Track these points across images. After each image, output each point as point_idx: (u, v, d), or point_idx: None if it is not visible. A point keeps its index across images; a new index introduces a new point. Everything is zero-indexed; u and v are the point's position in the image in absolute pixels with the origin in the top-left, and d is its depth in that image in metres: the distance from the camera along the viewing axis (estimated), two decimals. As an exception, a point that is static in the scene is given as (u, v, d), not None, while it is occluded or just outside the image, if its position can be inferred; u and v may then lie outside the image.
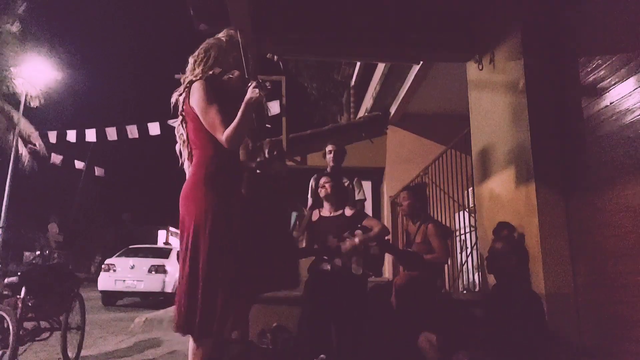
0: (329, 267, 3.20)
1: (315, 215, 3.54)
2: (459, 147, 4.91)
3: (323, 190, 3.49)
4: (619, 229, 2.73)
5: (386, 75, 7.14)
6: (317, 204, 3.67)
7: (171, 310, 8.29)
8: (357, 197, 4.37)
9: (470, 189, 4.74)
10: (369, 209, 6.66)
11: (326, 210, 3.51)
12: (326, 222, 3.45)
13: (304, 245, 3.69)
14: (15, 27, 16.63)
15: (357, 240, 3.21)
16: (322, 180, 3.55)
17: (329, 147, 4.42)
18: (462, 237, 5.31)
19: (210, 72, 2.15)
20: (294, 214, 3.69)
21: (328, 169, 4.35)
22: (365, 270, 3.22)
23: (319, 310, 3.05)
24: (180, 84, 2.27)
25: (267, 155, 4.45)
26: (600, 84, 2.90)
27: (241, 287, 2.01)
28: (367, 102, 9.28)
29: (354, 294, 3.12)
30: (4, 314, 3.40)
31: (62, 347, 3.97)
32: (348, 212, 3.46)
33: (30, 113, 17.21)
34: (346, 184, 4.31)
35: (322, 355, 2.80)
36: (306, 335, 3.04)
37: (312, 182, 4.35)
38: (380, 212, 8.13)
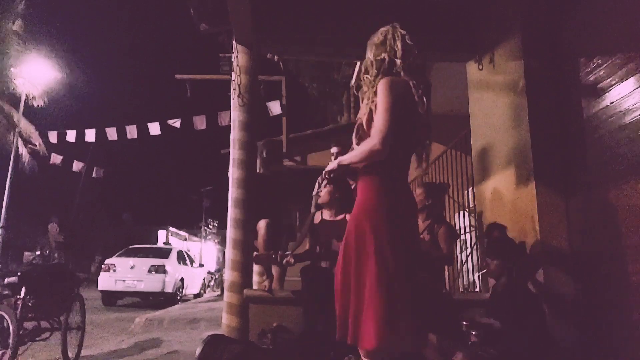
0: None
1: (317, 218, 3.50)
2: (459, 147, 4.91)
3: (320, 196, 3.41)
4: (619, 228, 2.73)
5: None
6: (317, 205, 3.60)
7: (171, 310, 8.30)
8: None
9: (470, 189, 4.74)
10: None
11: (327, 214, 3.46)
12: (327, 226, 3.40)
13: (307, 246, 3.68)
14: (16, 26, 16.64)
15: None
16: (323, 184, 3.47)
17: (333, 149, 4.36)
18: (462, 237, 5.31)
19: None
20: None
21: None
22: None
23: (321, 310, 3.05)
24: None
25: (264, 155, 4.43)
26: (600, 84, 2.90)
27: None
28: (367, 102, 9.27)
29: None
30: (4, 314, 3.40)
31: (62, 347, 3.97)
32: (349, 217, 3.40)
33: (30, 113, 17.24)
34: (353, 186, 4.27)
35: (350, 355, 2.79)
36: (309, 335, 3.03)
37: (319, 180, 4.30)
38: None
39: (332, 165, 2.17)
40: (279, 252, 3.25)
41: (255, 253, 3.61)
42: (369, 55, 2.14)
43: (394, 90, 1.98)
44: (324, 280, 3.16)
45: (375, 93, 2.02)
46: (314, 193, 4.34)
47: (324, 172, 2.24)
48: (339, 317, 1.95)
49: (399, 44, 2.08)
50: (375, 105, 2.00)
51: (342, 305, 1.94)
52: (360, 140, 2.12)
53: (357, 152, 2.01)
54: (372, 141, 1.93)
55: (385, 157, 1.96)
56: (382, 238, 1.91)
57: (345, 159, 2.09)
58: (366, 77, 2.11)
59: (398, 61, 2.05)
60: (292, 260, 3.28)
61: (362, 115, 2.08)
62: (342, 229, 3.29)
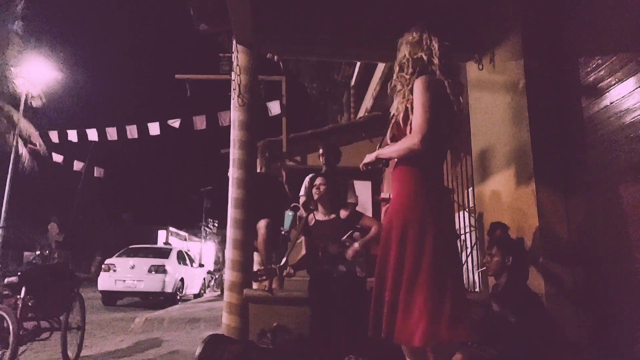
0: (334, 274, 3.17)
1: (311, 220, 3.46)
2: (459, 147, 4.91)
3: (316, 192, 3.39)
4: (619, 228, 2.73)
5: (386, 75, 7.14)
6: (309, 204, 3.58)
7: (171, 310, 8.30)
8: (347, 200, 4.35)
9: (470, 189, 4.74)
10: (369, 209, 6.66)
11: (320, 214, 3.42)
12: (322, 226, 3.37)
13: (303, 249, 3.68)
14: (16, 27, 16.64)
15: (357, 245, 3.19)
16: (317, 181, 3.44)
17: (320, 150, 4.40)
18: (462, 237, 5.31)
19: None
20: (290, 214, 3.67)
21: (323, 170, 4.31)
22: (369, 271, 3.21)
23: (325, 312, 3.05)
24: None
25: (266, 156, 4.44)
26: (600, 84, 2.90)
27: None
28: (367, 102, 9.28)
29: (355, 295, 3.11)
30: (4, 314, 3.40)
31: (62, 347, 3.97)
32: (343, 214, 3.38)
33: (30, 113, 17.22)
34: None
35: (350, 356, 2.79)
36: (316, 336, 3.02)
37: (306, 181, 4.32)
38: (381, 212, 8.12)
39: (370, 157, 2.21)
40: (277, 265, 3.26)
41: (253, 270, 3.61)
42: (405, 53, 2.15)
43: (431, 89, 2.00)
44: (328, 282, 3.16)
45: (410, 91, 2.04)
46: (301, 194, 4.36)
47: (362, 165, 2.27)
48: (385, 314, 1.91)
49: (435, 44, 2.11)
50: (410, 103, 2.03)
51: (390, 303, 1.91)
52: (395, 138, 2.15)
53: (396, 148, 2.04)
54: (413, 140, 1.95)
55: (425, 153, 1.99)
56: (428, 232, 1.92)
57: (384, 153, 2.14)
58: (402, 75, 2.13)
59: (435, 60, 2.07)
60: (292, 270, 3.27)
61: (397, 113, 2.10)
62: (336, 228, 3.31)
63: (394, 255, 1.94)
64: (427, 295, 1.83)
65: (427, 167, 2.05)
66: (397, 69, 2.18)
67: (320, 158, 4.36)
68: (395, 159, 2.13)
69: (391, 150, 2.09)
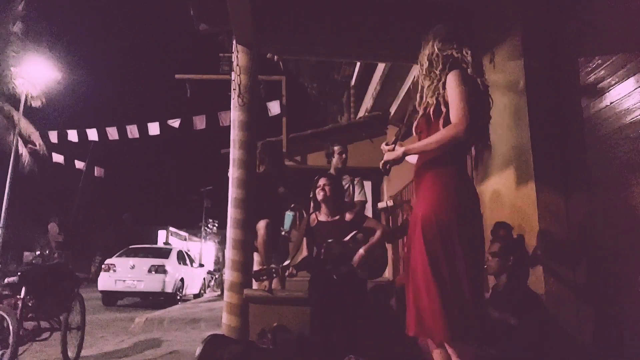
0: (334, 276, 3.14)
1: (312, 220, 3.40)
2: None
3: (321, 193, 3.30)
4: (619, 229, 2.73)
5: (386, 75, 7.13)
6: (316, 206, 3.52)
7: (172, 310, 8.30)
8: (357, 198, 4.31)
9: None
10: (369, 209, 6.66)
11: (324, 215, 3.35)
12: (325, 227, 3.30)
13: (305, 250, 3.65)
14: (16, 27, 16.65)
15: (362, 251, 3.15)
16: (321, 181, 3.35)
17: (337, 149, 4.32)
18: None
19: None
20: (290, 214, 3.65)
21: (332, 171, 4.25)
22: (371, 273, 3.20)
23: (325, 312, 3.04)
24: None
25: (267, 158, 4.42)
26: (600, 84, 2.90)
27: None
28: (367, 102, 9.28)
29: (355, 296, 3.10)
30: (4, 314, 3.40)
31: (62, 347, 3.97)
32: (348, 216, 3.32)
33: (30, 113, 17.23)
34: (346, 186, 4.25)
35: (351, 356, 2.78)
36: (316, 336, 3.02)
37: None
38: (381, 216, 8.13)
39: (396, 154, 2.15)
40: (280, 266, 3.20)
41: (254, 270, 3.57)
42: (434, 49, 2.15)
43: (467, 82, 2.03)
44: (329, 283, 3.15)
45: (443, 85, 2.06)
46: (311, 195, 4.33)
47: (382, 162, 2.22)
48: (431, 313, 1.92)
49: (466, 42, 2.14)
50: (442, 97, 2.04)
51: (431, 300, 1.91)
52: (421, 130, 2.16)
53: (434, 139, 2.01)
54: (457, 128, 1.95)
55: (459, 148, 2.02)
56: (469, 228, 1.94)
57: (415, 147, 2.10)
58: (432, 71, 2.14)
59: (468, 58, 2.09)
60: (294, 271, 3.20)
61: (428, 107, 2.11)
62: (340, 229, 3.27)
63: (427, 251, 1.92)
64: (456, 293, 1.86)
65: (461, 162, 2.07)
66: (425, 64, 2.18)
67: (337, 157, 4.31)
68: (416, 158, 2.15)
69: (429, 142, 2.03)
